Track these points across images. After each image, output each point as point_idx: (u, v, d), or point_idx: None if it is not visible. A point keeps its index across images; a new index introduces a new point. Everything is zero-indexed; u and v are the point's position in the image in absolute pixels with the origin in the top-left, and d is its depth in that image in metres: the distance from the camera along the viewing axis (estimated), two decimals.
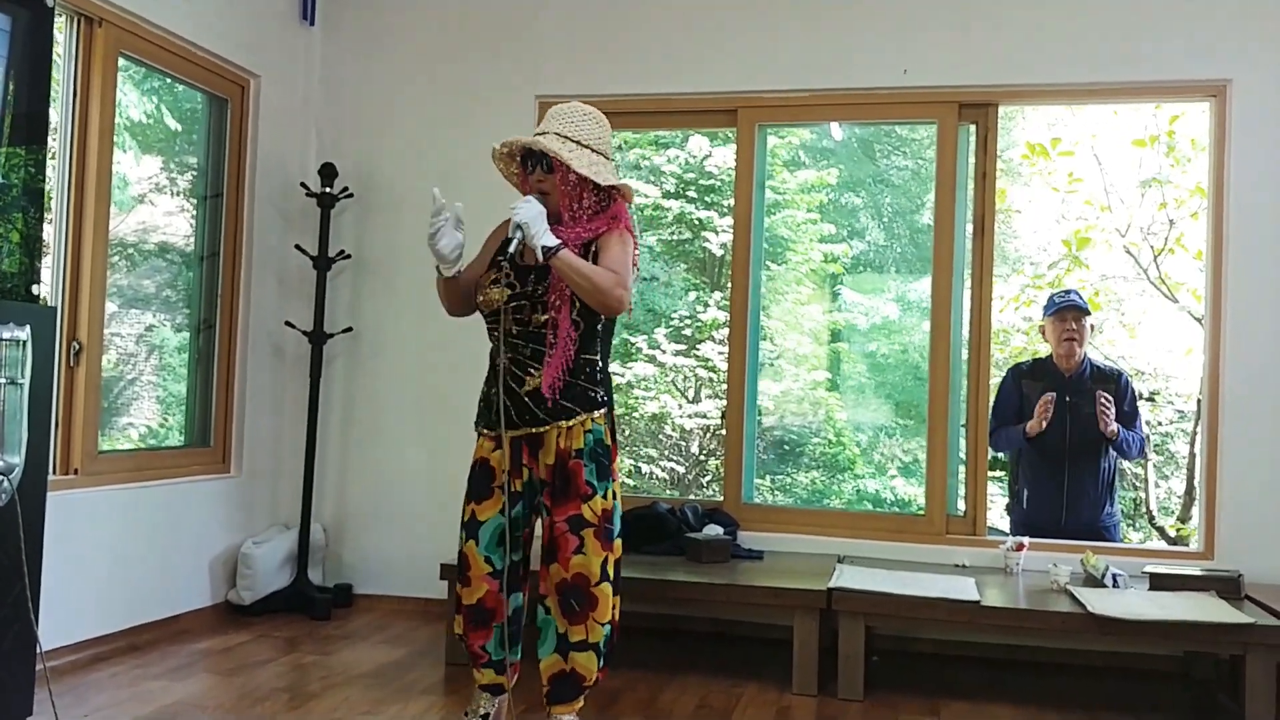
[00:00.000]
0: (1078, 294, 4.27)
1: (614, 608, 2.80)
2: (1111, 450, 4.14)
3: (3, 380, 2.63)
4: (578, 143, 2.80)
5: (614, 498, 2.82)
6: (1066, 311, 4.19)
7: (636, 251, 2.88)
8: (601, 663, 2.77)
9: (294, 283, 4.60)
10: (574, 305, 2.73)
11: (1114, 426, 4.07)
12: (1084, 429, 4.12)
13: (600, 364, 2.84)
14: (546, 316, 2.74)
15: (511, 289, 2.79)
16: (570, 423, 2.75)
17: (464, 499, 2.89)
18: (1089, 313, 4.18)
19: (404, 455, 4.54)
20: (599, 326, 2.82)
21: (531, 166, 2.82)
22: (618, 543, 2.84)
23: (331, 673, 3.53)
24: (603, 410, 2.81)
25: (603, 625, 2.75)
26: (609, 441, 2.82)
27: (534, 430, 2.77)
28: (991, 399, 4.25)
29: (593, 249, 2.77)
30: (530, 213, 2.68)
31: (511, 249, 2.69)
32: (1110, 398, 4.07)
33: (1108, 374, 4.26)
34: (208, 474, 4.24)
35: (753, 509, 4.32)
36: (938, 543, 4.08)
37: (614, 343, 3.01)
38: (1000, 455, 4.66)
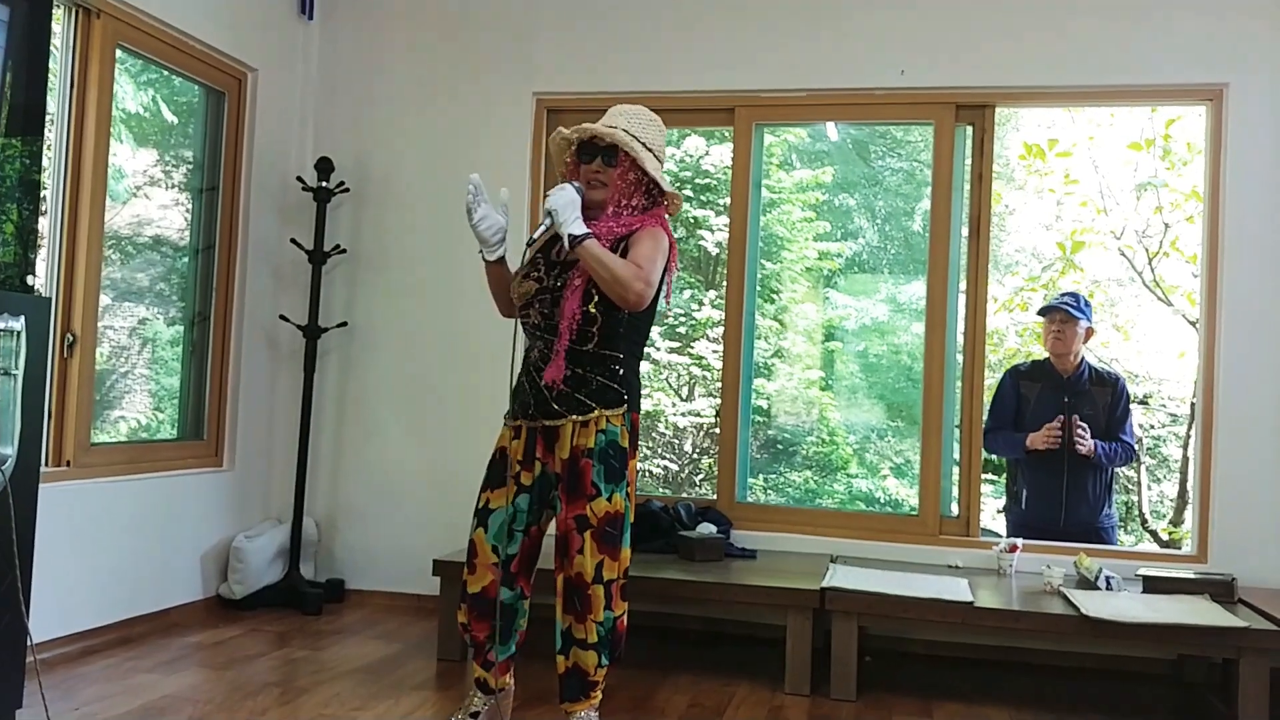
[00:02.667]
0: (1074, 297, 4.27)
1: (613, 610, 2.77)
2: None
3: None
4: (644, 144, 2.82)
5: (624, 502, 2.78)
6: (1054, 312, 4.21)
7: (675, 254, 2.88)
8: (602, 660, 2.76)
9: (289, 276, 4.59)
10: (589, 297, 2.73)
11: (1088, 446, 4.07)
12: (1082, 430, 4.11)
13: (622, 360, 2.81)
14: (563, 305, 2.76)
15: (539, 282, 2.80)
16: (585, 417, 2.74)
17: (480, 486, 2.89)
18: (1079, 318, 4.16)
19: (397, 450, 4.53)
20: (622, 323, 2.78)
21: (589, 157, 2.83)
22: (625, 550, 2.80)
23: (323, 668, 3.52)
24: (621, 410, 2.78)
25: (599, 625, 2.73)
26: (624, 444, 2.79)
27: (547, 423, 2.77)
28: (988, 400, 4.25)
29: (624, 245, 2.76)
30: (562, 199, 2.69)
31: (537, 233, 2.73)
32: (1085, 426, 4.07)
33: (1105, 377, 4.28)
34: (200, 467, 4.22)
35: (746, 508, 4.32)
36: (931, 543, 4.08)
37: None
38: (993, 456, 4.67)
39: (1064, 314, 4.17)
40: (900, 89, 4.18)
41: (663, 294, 2.85)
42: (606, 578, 2.74)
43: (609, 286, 2.67)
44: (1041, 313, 4.35)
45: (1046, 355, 4.33)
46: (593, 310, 2.74)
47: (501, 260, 2.91)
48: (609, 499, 2.74)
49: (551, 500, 2.86)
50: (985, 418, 4.22)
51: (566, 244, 2.68)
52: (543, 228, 2.73)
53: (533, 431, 2.81)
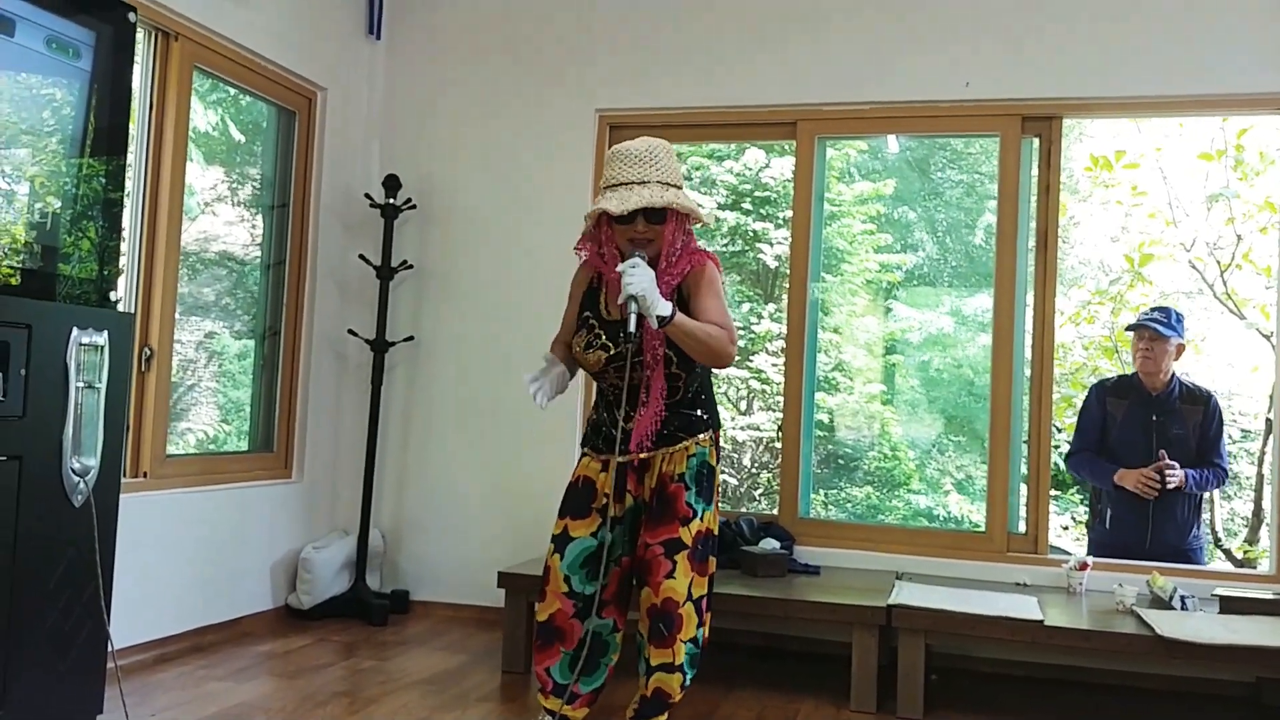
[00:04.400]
0: (1164, 312, 4.11)
1: (703, 625, 2.78)
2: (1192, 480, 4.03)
3: (81, 384, 2.69)
4: (677, 187, 2.80)
5: (714, 518, 2.82)
6: (1142, 329, 4.09)
7: (723, 279, 2.89)
8: (686, 681, 2.76)
9: (356, 292, 4.67)
10: (670, 362, 2.76)
11: (1179, 478, 3.94)
12: (1171, 450, 4.00)
13: (704, 398, 2.86)
14: (644, 374, 2.77)
15: (606, 350, 2.82)
16: (675, 449, 2.78)
17: (558, 513, 2.90)
18: (1169, 336, 4.01)
19: (462, 463, 4.58)
20: (699, 368, 2.83)
21: (630, 217, 2.75)
22: (711, 561, 2.83)
23: (390, 678, 3.56)
24: (708, 432, 2.83)
25: (686, 644, 2.73)
26: (713, 463, 2.83)
27: (643, 455, 2.80)
28: (1056, 415, 4.17)
29: (681, 290, 2.79)
30: (645, 281, 2.61)
31: (631, 327, 2.63)
32: (1174, 464, 3.94)
33: (1197, 395, 4.11)
34: (270, 479, 4.31)
35: (809, 523, 4.30)
36: (998, 560, 4.02)
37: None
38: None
39: (1152, 331, 4.02)
40: (965, 101, 4.14)
41: None
42: (696, 595, 2.74)
43: (703, 356, 2.70)
44: (1130, 329, 4.20)
45: (1133, 372, 4.21)
46: (675, 371, 2.77)
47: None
48: (702, 518, 2.76)
49: (639, 529, 2.87)
50: (1073, 437, 4.12)
51: (655, 325, 2.63)
52: (633, 318, 2.62)
53: (622, 465, 2.81)
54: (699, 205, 2.91)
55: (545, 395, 2.85)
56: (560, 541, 2.84)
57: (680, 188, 2.83)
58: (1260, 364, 5.99)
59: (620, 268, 2.66)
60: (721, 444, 2.98)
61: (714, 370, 2.96)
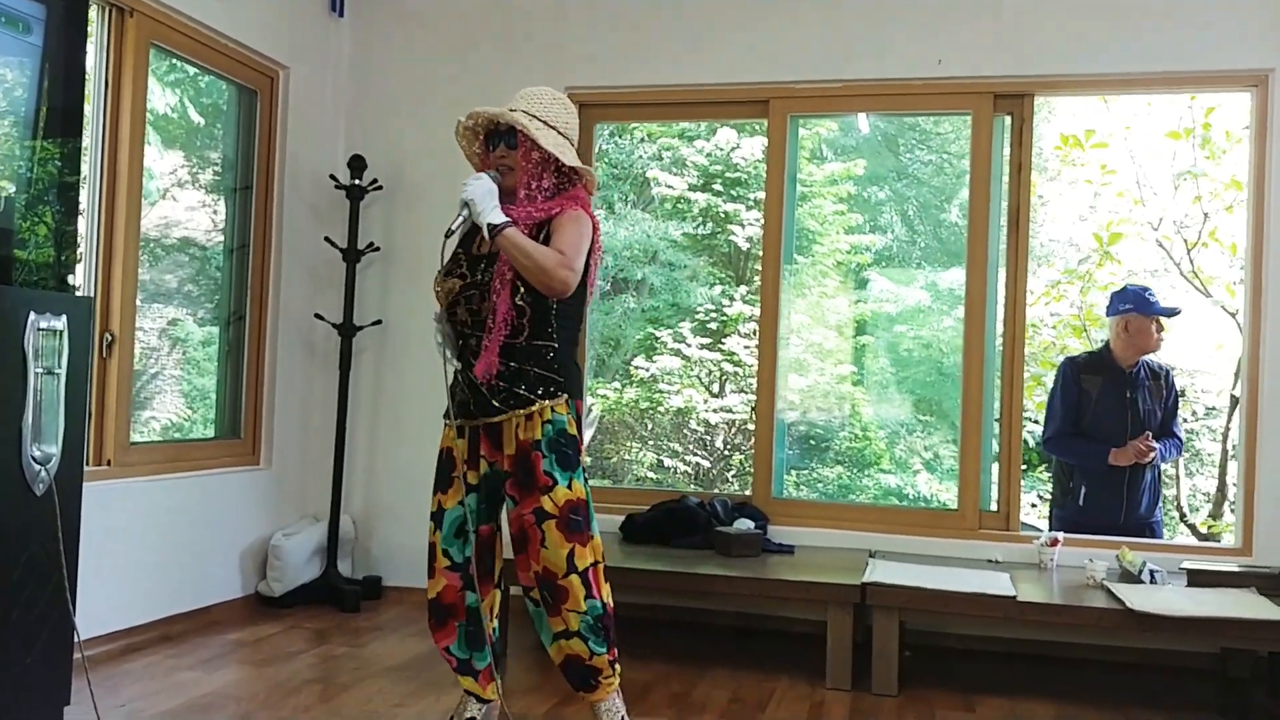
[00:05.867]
0: (1153, 294, 4.17)
1: (596, 595, 2.69)
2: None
3: (40, 370, 2.62)
4: (544, 122, 2.75)
5: (584, 488, 2.73)
6: (1162, 317, 4.11)
7: (598, 235, 2.81)
8: (595, 648, 2.69)
9: (323, 275, 4.60)
10: (516, 289, 2.67)
11: (1156, 455, 4.04)
12: (1143, 425, 4.08)
13: (557, 350, 2.75)
14: (492, 300, 2.68)
15: (463, 279, 2.75)
16: (527, 410, 2.68)
17: (432, 490, 2.85)
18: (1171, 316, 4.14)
19: (432, 446, 4.48)
20: (552, 312, 2.73)
21: (495, 143, 2.78)
22: (595, 536, 2.74)
23: (363, 664, 3.53)
24: (563, 398, 2.72)
25: (580, 614, 2.67)
26: (572, 431, 2.73)
27: (491, 420, 2.71)
28: (1028, 394, 4.19)
29: (545, 230, 2.70)
30: (479, 189, 2.63)
31: (455, 225, 2.65)
32: (1152, 446, 4.01)
33: (1157, 370, 4.20)
34: (238, 466, 4.24)
35: (782, 503, 4.30)
36: (969, 538, 4.04)
37: (591, 333, 2.93)
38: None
39: (1161, 315, 4.10)
40: (938, 79, 4.13)
41: (590, 277, 2.79)
42: (581, 566, 2.67)
43: (533, 275, 2.60)
44: (1146, 311, 4.11)
45: (1101, 347, 4.26)
46: (521, 302, 2.67)
47: None
48: (568, 486, 2.68)
49: (503, 497, 2.81)
50: (1048, 418, 4.14)
51: (486, 234, 2.61)
52: (460, 219, 2.65)
53: (475, 430, 2.75)
54: (582, 166, 2.82)
55: (450, 346, 2.78)
56: (436, 518, 2.81)
57: (559, 132, 2.77)
58: (1224, 341, 6.06)
59: (464, 181, 2.67)
60: (579, 411, 2.83)
61: (574, 335, 2.85)
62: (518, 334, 2.69)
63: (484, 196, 2.63)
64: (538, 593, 2.73)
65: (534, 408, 2.68)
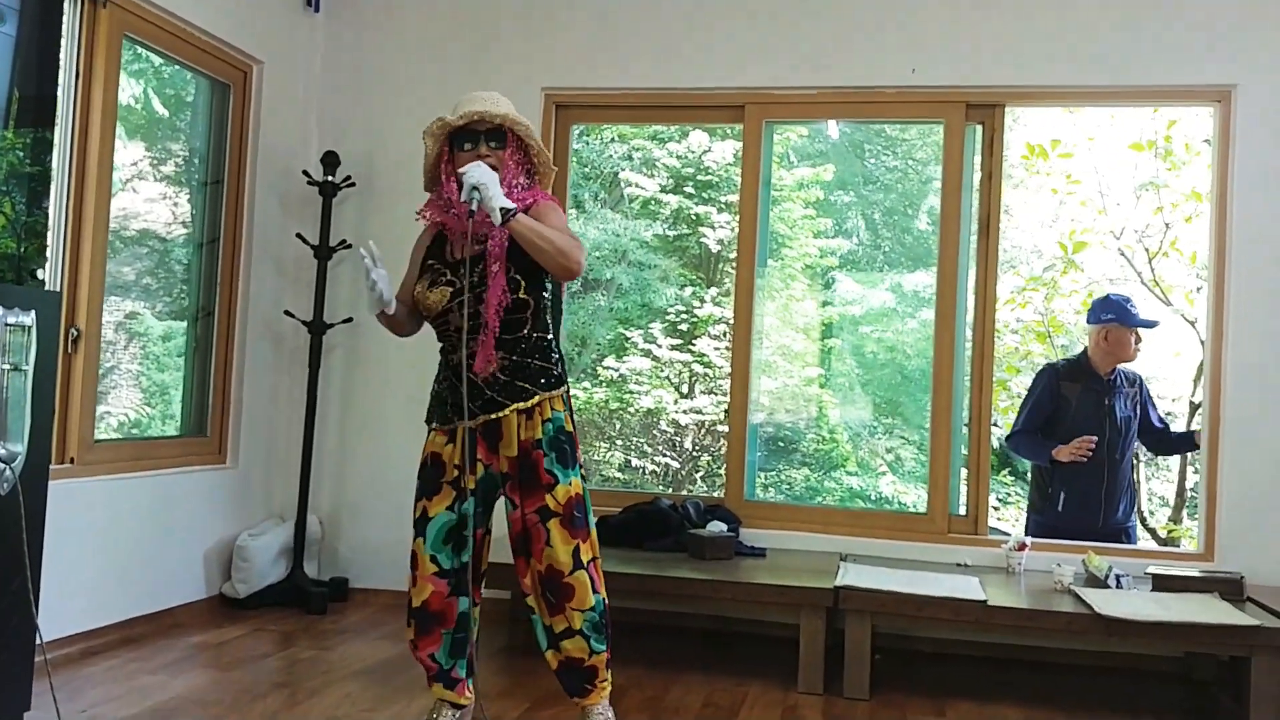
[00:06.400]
0: (1131, 303, 4.25)
1: (598, 590, 2.72)
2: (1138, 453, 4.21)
3: (6, 366, 2.56)
4: (526, 124, 2.80)
5: (582, 484, 2.74)
6: (1142, 329, 4.20)
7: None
8: (595, 646, 2.71)
9: (294, 272, 4.54)
10: (516, 285, 2.67)
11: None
12: (1121, 431, 4.16)
13: (551, 341, 2.78)
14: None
15: (452, 286, 2.74)
16: (529, 404, 2.68)
17: (415, 497, 2.83)
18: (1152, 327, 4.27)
19: (401, 448, 4.47)
20: (546, 304, 2.75)
21: (467, 141, 2.74)
22: (593, 531, 2.76)
23: (332, 668, 3.48)
24: (561, 390, 2.74)
25: (585, 612, 2.69)
26: (570, 428, 2.75)
27: (493, 416, 2.70)
28: (996, 398, 4.25)
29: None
30: (484, 174, 2.60)
31: (474, 206, 2.61)
32: (1091, 446, 4.10)
33: (1130, 376, 4.30)
34: (203, 465, 4.17)
35: (755, 506, 4.31)
36: (938, 541, 4.08)
37: (571, 329, 2.96)
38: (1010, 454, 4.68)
39: (1142, 327, 4.18)
40: (911, 88, 4.17)
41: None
42: (586, 560, 2.70)
43: (550, 258, 2.60)
44: (1131, 323, 4.18)
45: (1079, 354, 4.33)
46: (522, 296, 2.68)
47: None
48: (568, 484, 2.70)
49: (495, 500, 2.81)
50: (1018, 417, 4.21)
51: (496, 219, 2.58)
52: (475, 202, 2.60)
53: (471, 433, 2.73)
54: (551, 165, 2.89)
55: (385, 286, 2.74)
56: (420, 524, 2.78)
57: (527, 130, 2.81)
58: (1183, 350, 6.17)
59: (460, 170, 2.64)
60: (571, 406, 2.86)
61: (559, 326, 2.89)
62: (519, 327, 2.70)
63: (492, 180, 2.61)
64: (537, 596, 2.73)
65: (534, 401, 2.69)
